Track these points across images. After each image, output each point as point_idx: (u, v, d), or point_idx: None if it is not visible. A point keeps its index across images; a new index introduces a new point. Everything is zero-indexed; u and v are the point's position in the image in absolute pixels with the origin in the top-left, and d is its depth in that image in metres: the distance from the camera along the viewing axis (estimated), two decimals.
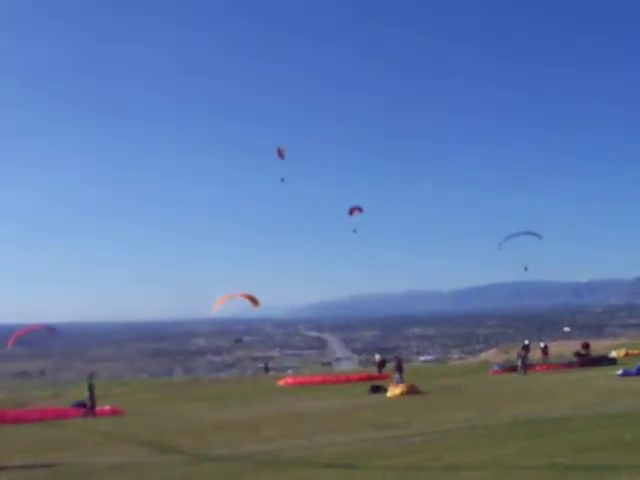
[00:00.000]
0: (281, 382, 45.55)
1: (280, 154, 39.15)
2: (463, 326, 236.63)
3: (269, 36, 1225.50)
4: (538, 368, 40.10)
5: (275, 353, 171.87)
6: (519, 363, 38.53)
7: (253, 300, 35.64)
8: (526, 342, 41.20)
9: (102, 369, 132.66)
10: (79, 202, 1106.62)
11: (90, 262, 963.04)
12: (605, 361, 41.26)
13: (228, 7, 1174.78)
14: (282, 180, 39.79)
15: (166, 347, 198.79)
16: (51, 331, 40.58)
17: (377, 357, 47.46)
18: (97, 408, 31.49)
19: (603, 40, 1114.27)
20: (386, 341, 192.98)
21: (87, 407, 30.64)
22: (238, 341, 43.91)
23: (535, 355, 43.41)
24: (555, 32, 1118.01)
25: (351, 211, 40.14)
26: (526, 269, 41.44)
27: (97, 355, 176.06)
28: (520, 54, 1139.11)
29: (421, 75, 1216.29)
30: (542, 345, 46.19)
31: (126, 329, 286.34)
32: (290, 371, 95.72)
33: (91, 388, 30.97)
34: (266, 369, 69.93)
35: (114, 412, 31.78)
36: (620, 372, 30.59)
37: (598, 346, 57.45)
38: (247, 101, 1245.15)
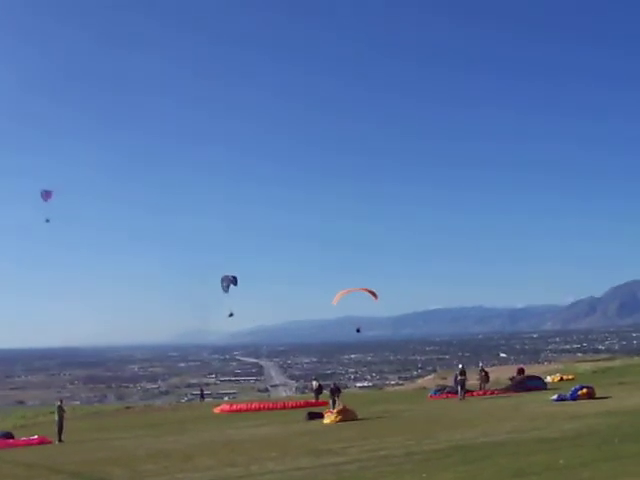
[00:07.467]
0: (217, 409, 44.90)
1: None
2: (401, 352, 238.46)
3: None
4: (475, 393, 40.44)
5: (211, 380, 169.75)
6: (458, 388, 38.61)
7: (372, 294, 36.40)
8: (460, 366, 41.27)
9: (30, 397, 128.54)
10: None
11: (14, 284, 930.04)
12: (534, 381, 42.04)
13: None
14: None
15: (99, 374, 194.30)
16: None
17: (314, 384, 47.21)
18: (23, 439, 31.38)
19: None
20: (324, 367, 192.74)
21: (58, 431, 31.97)
22: (358, 331, 45.04)
23: (473, 380, 43.65)
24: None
25: (46, 196, 39.50)
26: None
27: (24, 382, 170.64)
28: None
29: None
30: (480, 366, 46.33)
31: (57, 355, 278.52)
32: (226, 398, 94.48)
33: (60, 413, 32.30)
34: (202, 396, 68.83)
35: (42, 442, 31.09)
36: (555, 397, 31.06)
37: (534, 371, 58.27)
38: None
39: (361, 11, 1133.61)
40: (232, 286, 39.49)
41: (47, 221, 40.45)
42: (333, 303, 36.76)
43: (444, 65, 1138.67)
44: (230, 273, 40.21)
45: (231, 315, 41.84)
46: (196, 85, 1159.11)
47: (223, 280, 39.64)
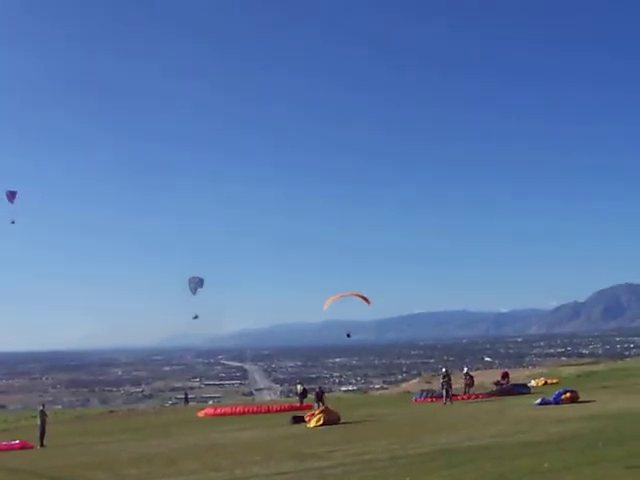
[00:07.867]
0: (201, 413, 44.69)
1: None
2: (385, 356, 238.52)
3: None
4: (460, 397, 40.48)
5: (195, 383, 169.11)
6: (444, 392, 38.58)
7: (365, 299, 36.60)
8: (443, 370, 41.33)
9: (12, 401, 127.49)
10: None
11: None
12: (520, 388, 42.12)
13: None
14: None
15: (82, 377, 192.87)
16: None
17: (299, 387, 47.08)
18: (4, 443, 31.09)
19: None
20: (308, 371, 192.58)
21: (40, 436, 31.71)
22: (349, 335, 45.65)
23: (458, 384, 43.63)
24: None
25: (10, 197, 39.41)
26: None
27: (6, 386, 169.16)
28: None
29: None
30: (465, 370, 46.37)
31: (40, 359, 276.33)
32: (211, 402, 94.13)
33: (43, 418, 32.12)
34: (186, 400, 68.56)
35: (24, 446, 30.77)
36: (539, 401, 31.14)
37: (518, 375, 58.63)
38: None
39: (360, 11, 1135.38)
40: (199, 288, 39.61)
41: (12, 222, 40.30)
42: (325, 307, 36.64)
43: (444, 67, 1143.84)
44: (197, 275, 40.33)
45: (196, 317, 42.00)
46: (196, 91, 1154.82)
47: (190, 282, 39.71)
